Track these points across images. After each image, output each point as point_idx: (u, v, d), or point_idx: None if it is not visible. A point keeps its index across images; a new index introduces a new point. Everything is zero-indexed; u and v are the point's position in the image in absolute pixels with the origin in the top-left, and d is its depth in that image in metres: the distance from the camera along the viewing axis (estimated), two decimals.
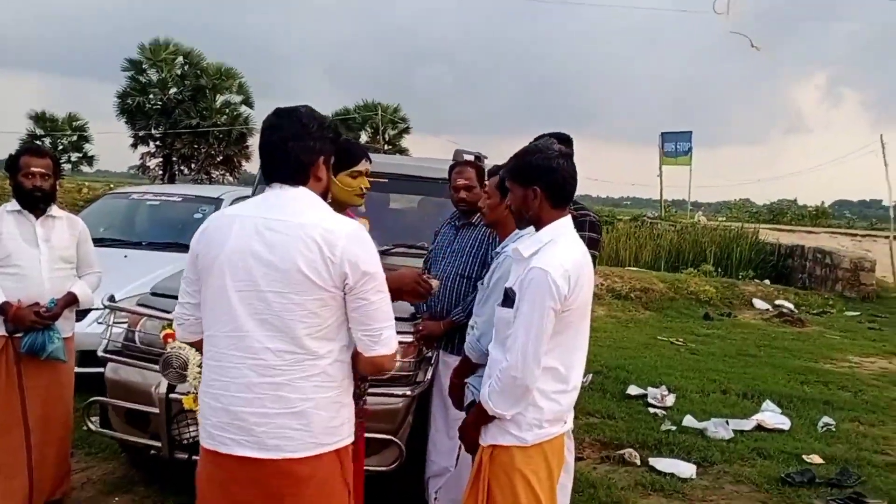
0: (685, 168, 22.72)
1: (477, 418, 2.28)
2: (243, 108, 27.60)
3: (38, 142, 27.93)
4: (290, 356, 1.87)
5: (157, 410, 3.37)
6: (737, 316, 10.77)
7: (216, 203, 6.49)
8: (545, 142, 2.33)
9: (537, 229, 2.27)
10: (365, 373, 2.06)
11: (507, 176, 2.34)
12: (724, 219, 23.42)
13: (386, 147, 28.12)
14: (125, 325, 3.75)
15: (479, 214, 3.43)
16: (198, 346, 2.09)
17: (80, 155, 28.32)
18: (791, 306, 11.17)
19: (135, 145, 26.85)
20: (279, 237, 1.87)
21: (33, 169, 3.41)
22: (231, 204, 6.67)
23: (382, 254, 4.51)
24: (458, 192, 3.52)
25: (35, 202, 3.45)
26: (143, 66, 26.44)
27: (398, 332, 3.44)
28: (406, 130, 28.29)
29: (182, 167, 27.12)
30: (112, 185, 20.94)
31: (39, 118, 27.58)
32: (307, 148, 1.97)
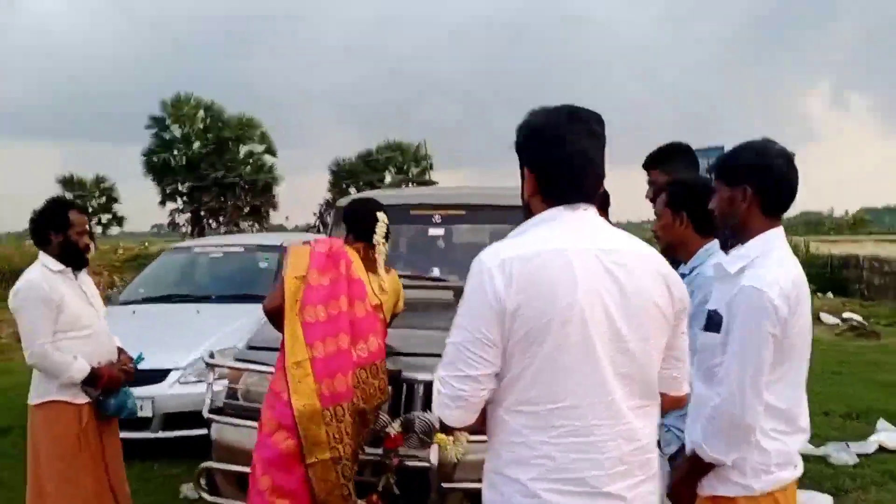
0: None
1: (692, 468, 1.97)
2: (267, 157, 27.88)
3: None
4: (643, 410, 1.59)
5: None
6: None
7: (280, 251, 6.32)
8: (764, 140, 2.07)
9: (742, 241, 2.00)
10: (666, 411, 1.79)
11: (715, 174, 2.09)
12: None
13: (412, 185, 28.12)
14: (225, 383, 3.54)
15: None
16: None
17: (110, 216, 28.60)
18: (860, 319, 10.75)
19: (163, 202, 27.12)
20: (626, 273, 1.56)
21: (86, 227, 3.28)
22: None
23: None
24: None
25: (84, 261, 3.30)
26: (167, 123, 26.84)
27: None
28: (430, 167, 28.36)
29: (210, 221, 27.26)
30: (146, 244, 21.07)
31: (68, 182, 27.92)
32: (604, 159, 1.67)
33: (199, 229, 26.43)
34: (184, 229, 27.31)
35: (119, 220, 28.84)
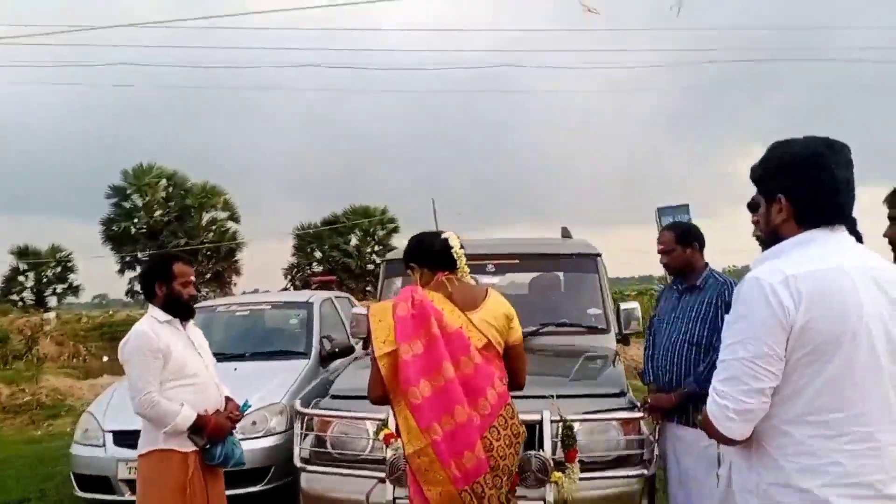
0: None
1: None
2: (230, 224, 27.72)
3: (21, 276, 27.43)
4: None
5: None
6: None
7: (307, 307, 6.33)
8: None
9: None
10: None
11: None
12: None
13: (377, 248, 28.24)
14: (313, 433, 3.55)
15: (703, 277, 3.37)
16: None
17: (66, 286, 27.79)
18: None
19: (122, 271, 26.56)
20: (893, 289, 1.72)
21: (191, 278, 3.33)
22: (320, 307, 6.49)
23: (532, 334, 4.44)
24: (661, 257, 3.53)
25: (190, 312, 3.35)
26: (128, 192, 26.52)
27: (613, 410, 3.37)
28: (395, 230, 28.55)
29: None
30: (112, 312, 20.49)
31: (22, 253, 27.15)
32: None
33: None
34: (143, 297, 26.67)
35: (75, 290, 28.03)
